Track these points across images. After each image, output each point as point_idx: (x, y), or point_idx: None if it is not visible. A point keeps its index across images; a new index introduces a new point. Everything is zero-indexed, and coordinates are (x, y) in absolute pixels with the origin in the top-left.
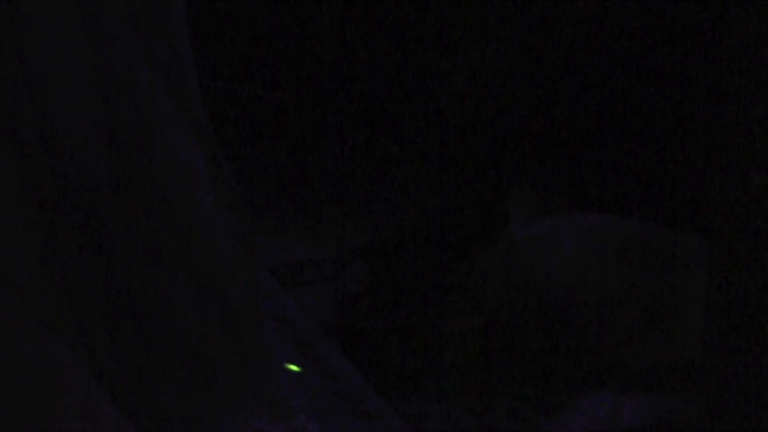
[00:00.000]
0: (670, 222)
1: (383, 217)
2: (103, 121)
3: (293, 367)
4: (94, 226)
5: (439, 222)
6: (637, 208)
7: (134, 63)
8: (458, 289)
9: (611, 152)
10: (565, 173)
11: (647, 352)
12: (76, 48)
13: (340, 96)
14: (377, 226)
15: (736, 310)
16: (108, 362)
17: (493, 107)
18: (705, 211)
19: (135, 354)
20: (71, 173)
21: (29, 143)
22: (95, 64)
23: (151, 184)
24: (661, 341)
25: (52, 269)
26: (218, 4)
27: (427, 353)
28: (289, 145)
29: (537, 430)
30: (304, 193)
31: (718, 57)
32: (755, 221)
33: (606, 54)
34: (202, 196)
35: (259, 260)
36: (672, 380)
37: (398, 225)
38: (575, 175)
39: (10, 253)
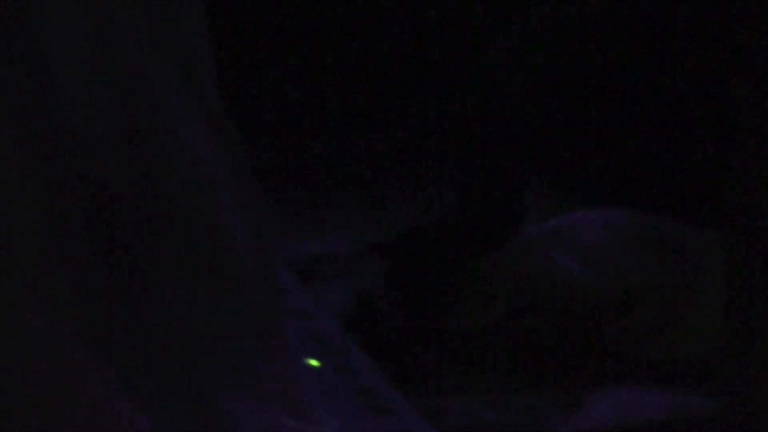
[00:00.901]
0: (689, 217)
1: (400, 211)
2: (117, 117)
3: (312, 362)
4: (110, 223)
5: (455, 217)
6: (655, 202)
7: (148, 59)
8: (476, 284)
9: (628, 147)
10: (581, 168)
11: (666, 347)
12: (89, 43)
13: (355, 90)
14: (394, 220)
15: (757, 306)
16: (125, 359)
17: (508, 102)
18: (724, 205)
19: (153, 350)
20: (86, 169)
21: (44, 140)
22: (108, 59)
23: (168, 180)
24: (680, 336)
25: (67, 265)
26: (235, 2)
27: (446, 348)
28: (304, 139)
29: (556, 426)
30: (319, 188)
31: (734, 51)
32: None
33: (622, 47)
34: (220, 192)
35: (276, 256)
36: (691, 376)
37: (415, 220)
38: (592, 170)
39: (24, 249)
